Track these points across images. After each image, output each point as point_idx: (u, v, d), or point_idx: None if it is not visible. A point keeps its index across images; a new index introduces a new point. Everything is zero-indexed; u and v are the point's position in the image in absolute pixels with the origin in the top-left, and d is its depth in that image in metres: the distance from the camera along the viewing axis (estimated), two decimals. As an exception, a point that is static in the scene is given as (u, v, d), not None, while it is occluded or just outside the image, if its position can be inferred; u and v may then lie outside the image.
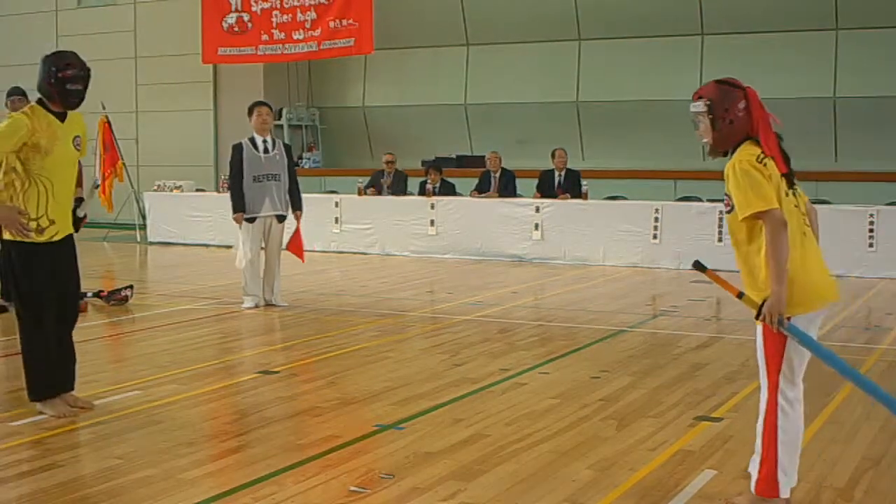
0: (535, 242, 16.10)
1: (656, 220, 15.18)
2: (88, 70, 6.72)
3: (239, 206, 11.23)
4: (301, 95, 22.88)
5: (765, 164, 4.67)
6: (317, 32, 20.03)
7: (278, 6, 20.33)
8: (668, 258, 15.12)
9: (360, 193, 17.75)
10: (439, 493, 5.10)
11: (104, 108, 18.63)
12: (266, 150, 11.29)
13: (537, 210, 16.15)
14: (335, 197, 17.91)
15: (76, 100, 6.65)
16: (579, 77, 20.42)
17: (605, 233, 15.69)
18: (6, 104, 11.60)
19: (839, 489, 5.23)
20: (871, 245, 14.17)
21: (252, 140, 11.33)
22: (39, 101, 6.66)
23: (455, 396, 7.23)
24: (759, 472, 4.81)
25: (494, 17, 20.82)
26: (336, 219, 17.55)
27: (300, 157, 22.39)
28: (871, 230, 14.19)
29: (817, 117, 18.38)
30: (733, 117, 4.73)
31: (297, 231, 11.63)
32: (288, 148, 11.67)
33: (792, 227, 4.64)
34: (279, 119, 22.14)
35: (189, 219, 18.82)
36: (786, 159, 4.76)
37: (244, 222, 11.23)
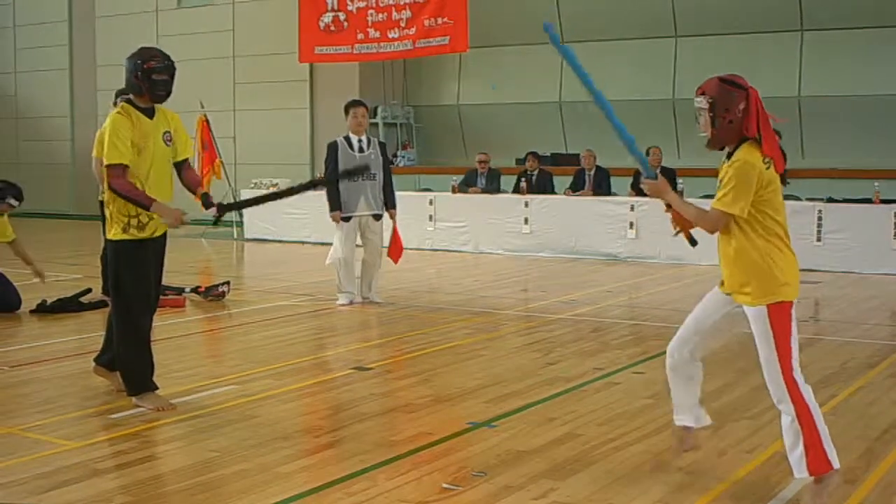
0: (629, 241, 15.98)
1: (753, 218, 14.91)
2: (173, 63, 6.82)
3: (336, 204, 11.28)
4: (396, 94, 22.98)
5: (768, 169, 4.94)
6: (412, 31, 20.10)
7: (374, 5, 20.44)
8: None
9: (454, 191, 17.79)
10: (531, 492, 5.09)
11: (203, 106, 18.93)
12: (361, 150, 11.31)
13: (632, 208, 16.03)
14: (430, 195, 17.96)
15: (163, 91, 6.74)
16: (675, 74, 20.20)
17: (701, 232, 15.45)
18: (114, 104, 11.80)
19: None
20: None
21: (347, 139, 11.37)
22: (128, 101, 6.79)
23: (548, 395, 7.21)
24: (808, 456, 4.88)
25: (590, 14, 20.67)
26: (430, 216, 17.61)
27: (395, 156, 22.48)
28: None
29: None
30: (733, 117, 4.93)
31: (394, 232, 11.62)
32: (383, 146, 11.69)
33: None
34: (374, 117, 22.27)
35: (285, 216, 19.00)
36: (784, 158, 5.08)
37: (340, 221, 11.31)
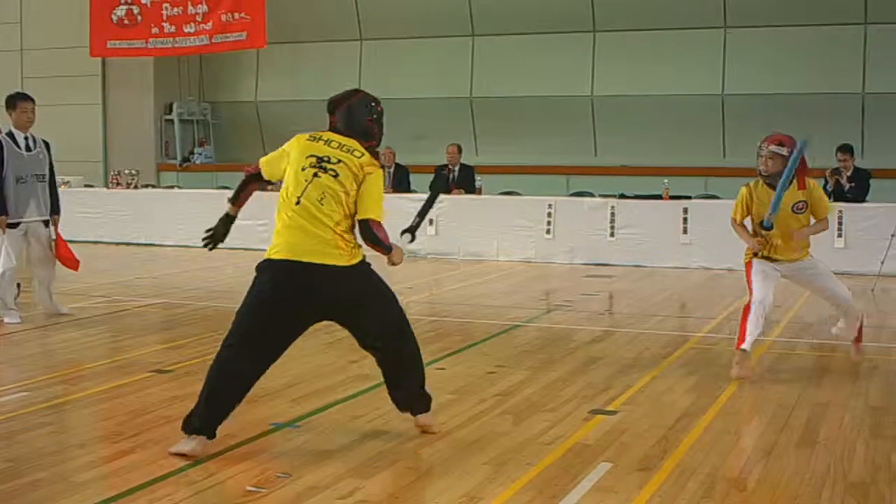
0: (429, 238, 16.12)
1: (549, 215, 15.31)
2: None
3: (2, 209, 10.03)
4: (192, 89, 22.57)
5: None
6: (208, 26, 19.80)
7: (169, -2, 20.05)
8: (562, 253, 15.27)
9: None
10: (337, 491, 5.08)
11: (-12, 101, 18.17)
12: (28, 148, 10.29)
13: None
14: (227, 192, 17.61)
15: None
16: (473, 73, 20.47)
17: (500, 228, 15.79)
18: None
19: (732, 479, 5.34)
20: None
21: (11, 135, 10.30)
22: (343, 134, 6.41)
23: (353, 393, 7.22)
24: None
25: (388, 13, 20.75)
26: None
27: (191, 153, 22.09)
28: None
29: (707, 114, 18.67)
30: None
31: (58, 238, 10.48)
32: (48, 145, 10.63)
33: None
34: (170, 114, 21.83)
35: (78, 215, 18.34)
36: None
37: (7, 228, 10.06)
